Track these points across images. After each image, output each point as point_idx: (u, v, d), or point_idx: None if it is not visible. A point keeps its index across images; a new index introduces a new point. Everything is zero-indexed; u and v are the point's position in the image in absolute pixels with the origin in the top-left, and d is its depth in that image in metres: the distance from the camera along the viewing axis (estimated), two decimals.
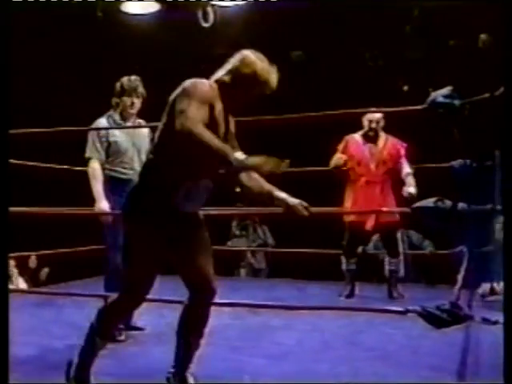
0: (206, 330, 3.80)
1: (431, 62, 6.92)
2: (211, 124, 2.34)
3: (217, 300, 3.81)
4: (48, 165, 4.94)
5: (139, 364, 3.09)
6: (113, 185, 3.71)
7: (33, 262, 6.86)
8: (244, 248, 7.66)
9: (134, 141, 3.80)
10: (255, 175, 2.44)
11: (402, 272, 5.07)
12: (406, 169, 4.96)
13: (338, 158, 5.03)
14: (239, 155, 2.24)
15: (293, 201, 2.41)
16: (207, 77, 2.48)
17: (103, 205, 3.65)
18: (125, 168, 3.75)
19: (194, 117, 2.26)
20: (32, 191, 5.99)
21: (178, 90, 2.40)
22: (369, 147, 5.03)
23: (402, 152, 5.02)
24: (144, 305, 4.00)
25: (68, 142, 4.16)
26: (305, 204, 2.40)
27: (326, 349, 3.43)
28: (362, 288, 5.11)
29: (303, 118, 3.51)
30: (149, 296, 3.62)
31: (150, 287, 2.65)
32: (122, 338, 3.63)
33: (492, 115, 4.06)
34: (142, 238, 2.46)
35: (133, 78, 3.81)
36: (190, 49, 6.98)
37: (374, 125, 4.99)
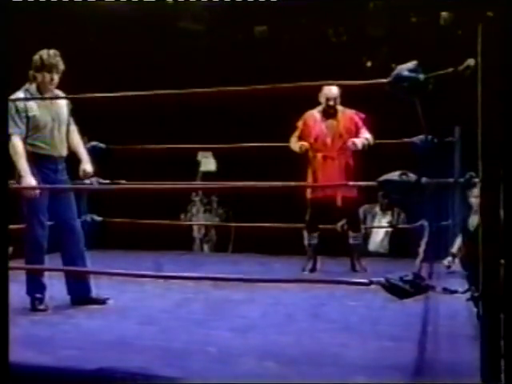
0: (170, 304, 3.85)
1: (394, 39, 6.97)
2: None
3: (180, 274, 3.86)
4: None
5: (103, 338, 3.09)
6: (34, 160, 3.71)
7: None
8: (208, 223, 7.68)
9: (53, 114, 3.79)
10: None
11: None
12: (364, 135, 4.97)
13: (301, 146, 4.99)
14: None
15: None
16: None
17: (31, 180, 3.64)
18: (45, 143, 3.75)
19: None
20: None
21: None
22: (327, 123, 5.02)
23: (360, 123, 5.02)
24: (107, 279, 4.04)
25: None
26: None
27: (289, 321, 3.47)
28: (326, 262, 5.16)
29: (262, 90, 3.48)
30: (111, 270, 3.64)
31: None
32: (43, 307, 3.68)
33: (454, 91, 4.14)
34: None
35: (52, 52, 3.76)
36: (153, 22, 6.89)
37: (331, 102, 4.97)
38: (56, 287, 3.83)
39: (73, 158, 3.99)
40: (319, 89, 4.78)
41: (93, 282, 3.91)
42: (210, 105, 4.62)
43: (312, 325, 3.39)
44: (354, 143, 4.90)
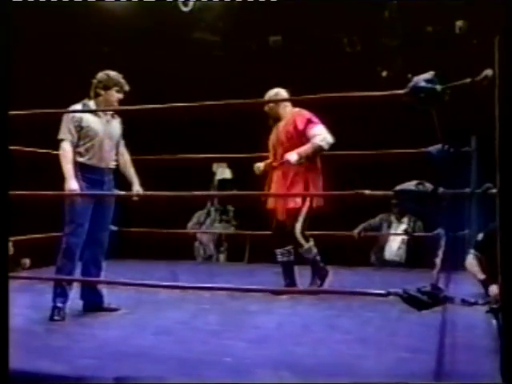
0: (186, 315, 3.85)
1: (409, 48, 6.96)
2: None
3: (196, 285, 3.86)
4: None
5: (119, 347, 3.09)
6: (80, 170, 3.77)
7: (9, 250, 6.79)
8: (224, 231, 7.66)
9: (106, 129, 3.87)
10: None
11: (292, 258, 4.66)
12: (313, 136, 4.48)
13: (256, 168, 4.79)
14: None
15: None
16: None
17: (73, 184, 3.69)
18: (94, 155, 3.80)
19: None
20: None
21: None
22: (275, 132, 4.71)
23: (301, 126, 4.52)
24: (123, 289, 4.05)
25: (40, 126, 4.11)
26: None
27: (305, 332, 3.46)
28: (341, 272, 5.09)
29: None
30: (128, 281, 3.65)
31: None
32: (58, 317, 3.68)
33: (470, 101, 4.12)
34: None
35: (116, 73, 3.87)
36: (169, 33, 6.94)
37: (265, 108, 4.68)
38: (73, 296, 3.85)
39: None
40: (331, 99, 4.68)
41: (107, 291, 3.95)
42: (225, 116, 4.62)
43: (328, 335, 3.38)
44: (287, 160, 4.44)
